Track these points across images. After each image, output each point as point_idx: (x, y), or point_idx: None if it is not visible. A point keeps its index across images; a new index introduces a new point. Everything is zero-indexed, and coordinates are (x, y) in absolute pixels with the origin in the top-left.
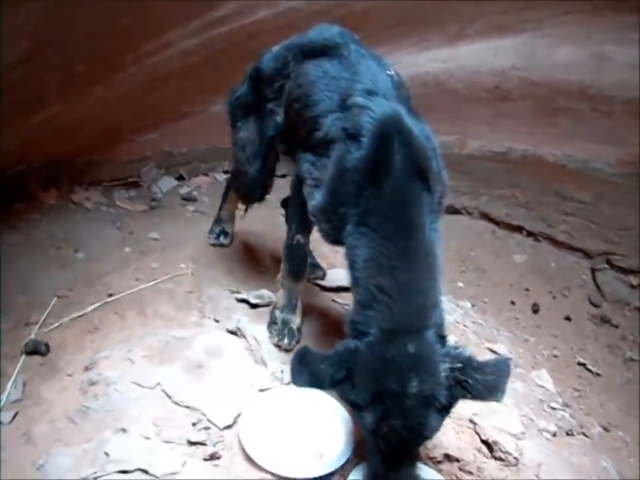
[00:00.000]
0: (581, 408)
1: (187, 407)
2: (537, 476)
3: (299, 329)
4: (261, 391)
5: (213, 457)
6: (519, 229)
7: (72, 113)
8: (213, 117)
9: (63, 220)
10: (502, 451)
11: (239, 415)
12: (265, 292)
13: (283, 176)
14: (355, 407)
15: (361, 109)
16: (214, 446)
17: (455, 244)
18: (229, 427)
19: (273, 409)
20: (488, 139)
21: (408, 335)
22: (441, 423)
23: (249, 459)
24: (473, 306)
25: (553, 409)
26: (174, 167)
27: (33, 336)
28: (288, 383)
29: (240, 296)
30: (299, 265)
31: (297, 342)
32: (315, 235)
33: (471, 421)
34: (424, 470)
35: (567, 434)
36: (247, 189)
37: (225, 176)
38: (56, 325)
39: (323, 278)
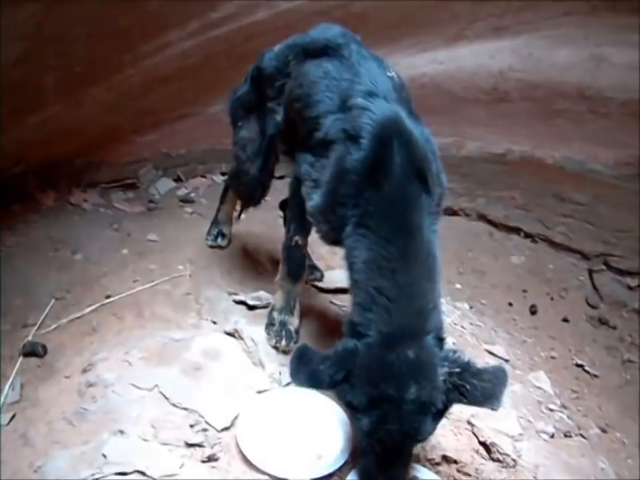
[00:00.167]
0: (579, 409)
1: (185, 409)
2: (534, 477)
3: (297, 331)
4: (259, 392)
5: (211, 458)
6: (516, 230)
7: (70, 114)
8: (211, 118)
9: (60, 221)
10: (500, 453)
11: (236, 417)
12: (263, 293)
13: (281, 177)
14: (351, 409)
15: (361, 110)
16: (212, 448)
17: (453, 245)
18: (226, 428)
19: (271, 410)
20: (486, 140)
21: (407, 339)
22: (435, 426)
23: (246, 460)
24: (470, 307)
25: (551, 410)
26: (172, 169)
27: (30, 338)
28: (286, 385)
29: (238, 297)
30: (297, 266)
31: (295, 344)
32: (313, 237)
33: (469, 423)
34: (422, 471)
35: (565, 435)
36: (247, 188)
37: (222, 177)
38: (54, 326)
39: (320, 279)
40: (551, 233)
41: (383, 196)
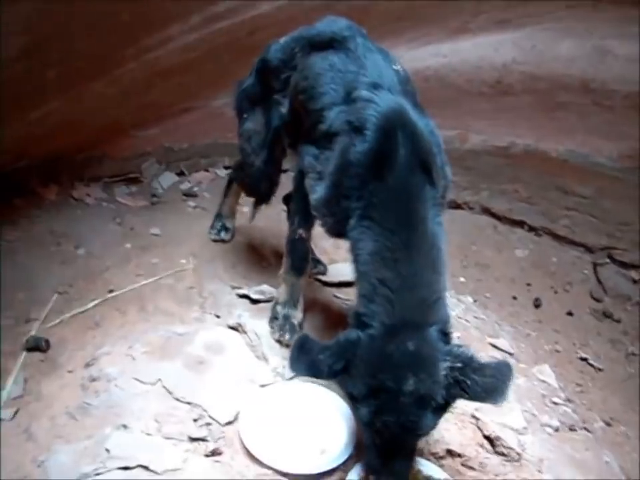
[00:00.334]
0: (583, 403)
1: (188, 403)
2: (539, 471)
3: (301, 325)
4: (262, 386)
5: (214, 453)
6: (520, 223)
7: (72, 108)
8: (214, 112)
9: (63, 216)
10: (504, 446)
11: (240, 411)
12: (266, 287)
13: (284, 171)
14: (351, 399)
15: (365, 103)
16: (215, 442)
17: (457, 239)
18: (230, 423)
19: (274, 404)
20: (489, 133)
21: (409, 330)
22: (437, 421)
23: (250, 455)
24: (474, 301)
25: (555, 404)
26: (175, 163)
27: (33, 332)
28: (289, 379)
29: (241, 291)
30: (301, 259)
31: None
32: (317, 230)
33: (473, 417)
34: (426, 465)
35: (570, 429)
36: (252, 180)
37: (225, 171)
38: (56, 321)
39: (324, 273)
40: (554, 226)
41: (387, 188)
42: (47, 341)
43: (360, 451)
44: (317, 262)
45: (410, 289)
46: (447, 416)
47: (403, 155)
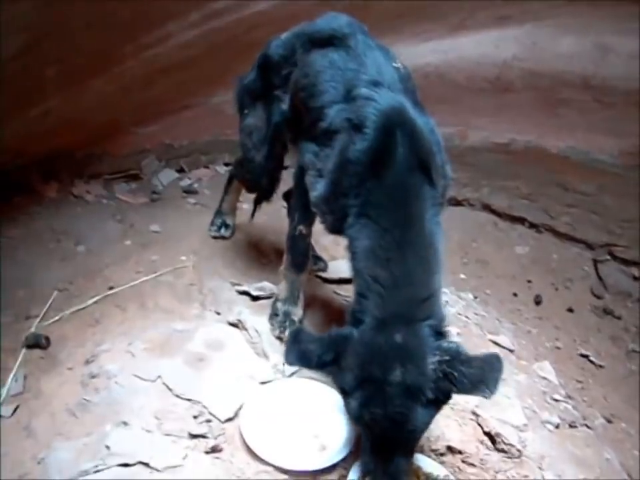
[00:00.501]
0: (584, 400)
1: (188, 400)
2: (540, 468)
3: (301, 321)
4: (263, 383)
5: (215, 449)
6: (521, 220)
7: (72, 105)
8: (213, 109)
9: (63, 213)
10: (505, 443)
11: (240, 408)
12: (267, 284)
13: (286, 168)
14: (342, 393)
15: (365, 100)
16: (215, 439)
17: (457, 235)
18: (230, 419)
19: (275, 401)
20: (490, 130)
21: (398, 325)
22: (429, 417)
23: (250, 451)
24: (475, 298)
25: (556, 400)
26: (174, 160)
27: (33, 329)
28: (290, 375)
29: (241, 288)
30: (301, 256)
31: None
32: (317, 228)
33: (474, 413)
34: (426, 462)
35: (570, 426)
36: (252, 176)
37: (225, 168)
38: (56, 318)
39: (324, 270)
40: (555, 222)
41: (384, 186)
42: (47, 338)
43: (359, 447)
44: (318, 259)
45: (402, 286)
46: (447, 412)
47: (402, 153)
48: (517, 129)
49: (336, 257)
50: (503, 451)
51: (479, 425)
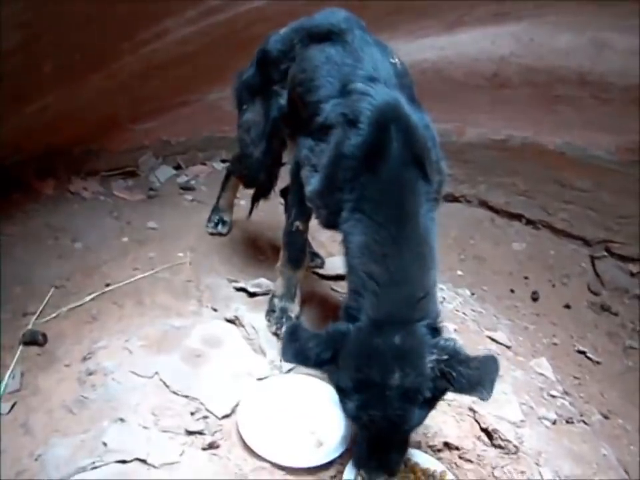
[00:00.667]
0: (581, 396)
1: (185, 397)
2: (537, 464)
3: (298, 318)
4: (260, 379)
5: (212, 446)
6: (518, 217)
7: (68, 102)
8: (211, 105)
9: (60, 210)
10: (502, 439)
11: (237, 404)
12: (264, 280)
13: (283, 164)
14: (338, 391)
15: (360, 95)
16: (212, 435)
17: (454, 232)
18: (227, 416)
19: (272, 397)
20: (487, 126)
21: (395, 325)
22: (425, 415)
23: (247, 448)
24: (472, 294)
25: (553, 396)
26: (172, 156)
27: (30, 326)
28: (287, 372)
29: (238, 285)
30: (298, 252)
31: None
32: (314, 224)
33: (471, 409)
34: (424, 458)
35: (567, 422)
36: (250, 171)
37: (223, 165)
38: (54, 315)
39: (321, 266)
40: (552, 219)
41: (379, 181)
42: (44, 335)
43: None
44: (315, 255)
45: (397, 283)
46: (444, 409)
47: (396, 148)
48: (514, 125)
49: (333, 253)
50: (499, 446)
51: (476, 421)
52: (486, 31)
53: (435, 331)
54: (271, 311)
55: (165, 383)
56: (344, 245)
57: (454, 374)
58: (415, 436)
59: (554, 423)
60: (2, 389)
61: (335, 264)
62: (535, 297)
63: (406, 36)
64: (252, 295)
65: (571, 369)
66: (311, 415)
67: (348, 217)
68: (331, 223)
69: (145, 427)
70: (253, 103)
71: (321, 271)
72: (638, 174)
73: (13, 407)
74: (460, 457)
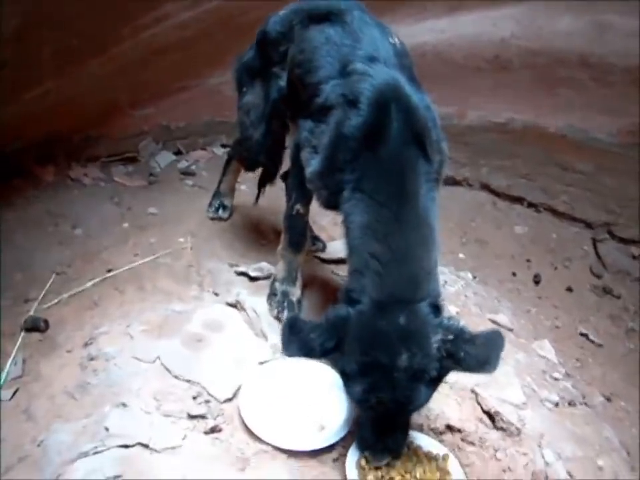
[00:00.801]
0: (583, 378)
1: (187, 381)
2: (539, 446)
3: (299, 301)
4: (261, 363)
5: (214, 430)
6: (519, 200)
7: (68, 88)
8: (210, 90)
9: (60, 196)
10: (504, 421)
11: (239, 388)
12: (265, 264)
13: (286, 148)
14: (343, 376)
15: (360, 76)
16: (214, 419)
17: (456, 215)
18: (229, 400)
19: (273, 381)
20: (488, 109)
21: (399, 305)
22: (431, 394)
23: (249, 431)
24: (474, 277)
25: (555, 379)
26: (172, 142)
27: (32, 313)
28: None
29: (239, 269)
30: (299, 235)
31: None
32: (315, 208)
33: (473, 392)
34: (426, 441)
35: (569, 404)
36: (250, 154)
37: (223, 150)
38: (55, 301)
39: (323, 250)
40: (554, 202)
41: (379, 161)
42: (46, 321)
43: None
44: (316, 239)
45: (400, 263)
46: (446, 391)
47: (397, 128)
48: (515, 108)
49: (334, 237)
50: (502, 429)
51: (478, 403)
52: (487, 13)
53: (437, 309)
54: (272, 295)
55: (166, 368)
56: (344, 226)
57: (461, 354)
58: (417, 419)
59: (556, 405)
60: (4, 376)
61: (337, 248)
62: (536, 280)
63: (406, 19)
64: (253, 279)
65: (573, 351)
66: (313, 398)
67: (349, 197)
68: (331, 204)
69: (146, 412)
70: (253, 85)
71: (322, 255)
72: (639, 156)
73: (15, 393)
74: (462, 440)
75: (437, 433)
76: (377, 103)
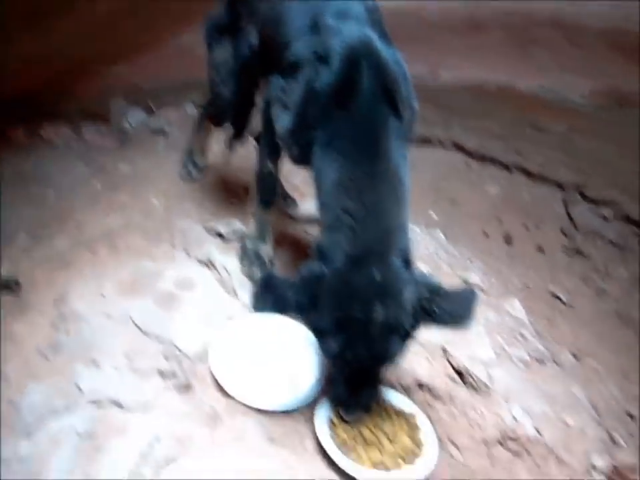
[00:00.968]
0: (553, 337)
1: (159, 339)
2: (507, 403)
3: (271, 260)
4: (232, 321)
5: (185, 387)
6: (492, 160)
7: (37, 47)
8: (182, 48)
9: (31, 157)
10: (473, 379)
11: (210, 346)
12: (236, 223)
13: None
14: (317, 333)
15: (331, 32)
16: (186, 377)
17: (428, 175)
18: (200, 357)
19: (244, 338)
20: (461, 69)
21: (373, 260)
22: (404, 348)
23: (221, 388)
24: (445, 237)
25: (525, 338)
26: (143, 100)
27: (3, 274)
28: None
29: (211, 227)
30: (270, 193)
31: None
32: (288, 167)
33: (443, 350)
34: (396, 398)
35: (538, 362)
36: (220, 111)
37: (195, 108)
38: (26, 262)
39: (295, 209)
40: (526, 162)
41: (350, 117)
42: (17, 282)
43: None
44: (288, 198)
45: (373, 218)
46: (416, 349)
47: (367, 84)
48: (489, 68)
49: (307, 196)
50: (471, 386)
51: (448, 361)
52: None
53: (407, 263)
54: (243, 253)
55: (138, 326)
56: (315, 182)
57: (437, 310)
58: (388, 376)
59: (525, 363)
60: None
61: (309, 207)
62: (508, 240)
63: None
64: (225, 237)
65: (544, 311)
66: (285, 355)
67: (320, 154)
68: (302, 161)
69: (118, 370)
70: (222, 42)
71: (294, 214)
72: (612, 118)
73: None
74: (432, 397)
75: (406, 390)
76: (348, 59)
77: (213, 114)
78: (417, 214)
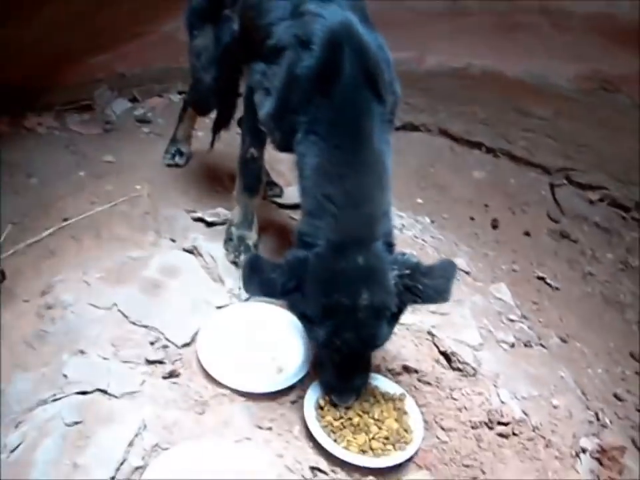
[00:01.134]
0: (540, 320)
1: (145, 327)
2: (495, 386)
3: (256, 246)
4: (219, 308)
5: (172, 374)
6: (478, 145)
7: (21, 35)
8: (166, 36)
9: (15, 146)
10: (460, 362)
11: (196, 333)
12: (221, 210)
13: (240, 94)
14: (304, 320)
15: (312, 16)
16: (172, 364)
17: (414, 161)
18: (187, 344)
19: (231, 325)
20: (447, 54)
21: (356, 246)
22: (392, 330)
23: (207, 375)
24: (432, 222)
25: (512, 320)
26: (127, 89)
27: None
28: (245, 300)
29: (196, 215)
30: (254, 179)
31: None
32: (272, 153)
33: (430, 333)
34: (383, 382)
35: (525, 345)
36: (201, 97)
37: (179, 96)
38: (11, 251)
39: (280, 195)
40: (512, 147)
41: (332, 102)
42: (2, 272)
43: (317, 368)
44: (273, 184)
45: (355, 204)
46: (403, 333)
47: (349, 69)
48: (474, 53)
49: (291, 182)
50: (458, 369)
51: (435, 344)
52: None
53: (390, 246)
54: (228, 240)
55: (123, 314)
56: (298, 168)
57: (420, 287)
58: (375, 360)
59: (512, 346)
60: None
61: (294, 193)
62: (494, 225)
63: None
64: (210, 224)
65: (530, 294)
66: (270, 341)
67: (302, 139)
68: (285, 146)
69: (104, 358)
70: (203, 29)
71: (279, 200)
72: (597, 102)
73: None
74: (419, 380)
75: (393, 374)
76: (330, 44)
77: (195, 100)
78: (403, 199)
